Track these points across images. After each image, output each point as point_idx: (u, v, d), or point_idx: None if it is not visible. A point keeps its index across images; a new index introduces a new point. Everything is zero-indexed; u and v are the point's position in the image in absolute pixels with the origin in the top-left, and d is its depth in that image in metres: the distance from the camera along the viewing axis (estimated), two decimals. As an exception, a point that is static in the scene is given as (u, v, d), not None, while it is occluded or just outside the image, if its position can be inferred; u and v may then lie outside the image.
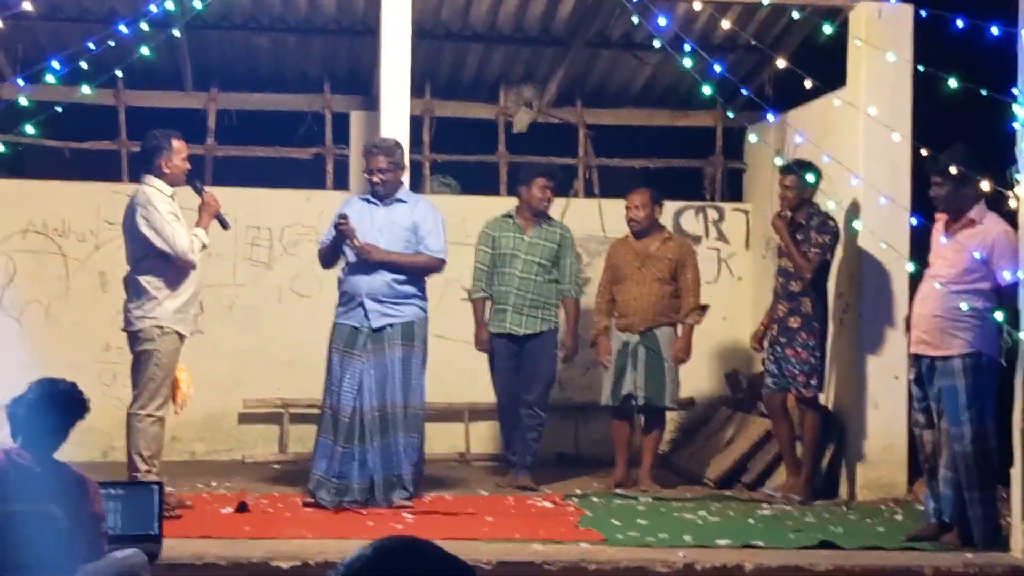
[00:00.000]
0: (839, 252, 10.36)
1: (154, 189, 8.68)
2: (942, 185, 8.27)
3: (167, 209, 8.60)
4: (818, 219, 10.00)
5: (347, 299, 9.24)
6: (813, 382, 9.97)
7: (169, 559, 7.11)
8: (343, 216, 9.17)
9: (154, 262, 8.64)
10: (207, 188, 9.17)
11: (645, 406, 10.49)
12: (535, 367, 10.45)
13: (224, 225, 9.05)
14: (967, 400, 8.11)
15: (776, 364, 10.08)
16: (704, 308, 10.55)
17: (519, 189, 10.64)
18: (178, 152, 8.75)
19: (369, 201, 9.36)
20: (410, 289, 9.23)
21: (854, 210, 10.00)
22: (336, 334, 9.24)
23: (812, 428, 10.03)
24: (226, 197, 9.47)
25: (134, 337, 8.69)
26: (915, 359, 8.45)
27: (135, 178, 11.80)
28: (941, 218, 8.43)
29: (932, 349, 8.27)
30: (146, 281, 8.66)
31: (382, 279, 9.14)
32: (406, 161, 9.48)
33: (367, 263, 9.14)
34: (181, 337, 8.69)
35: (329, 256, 9.41)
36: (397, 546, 2.40)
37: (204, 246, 8.78)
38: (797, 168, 10.03)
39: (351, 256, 9.21)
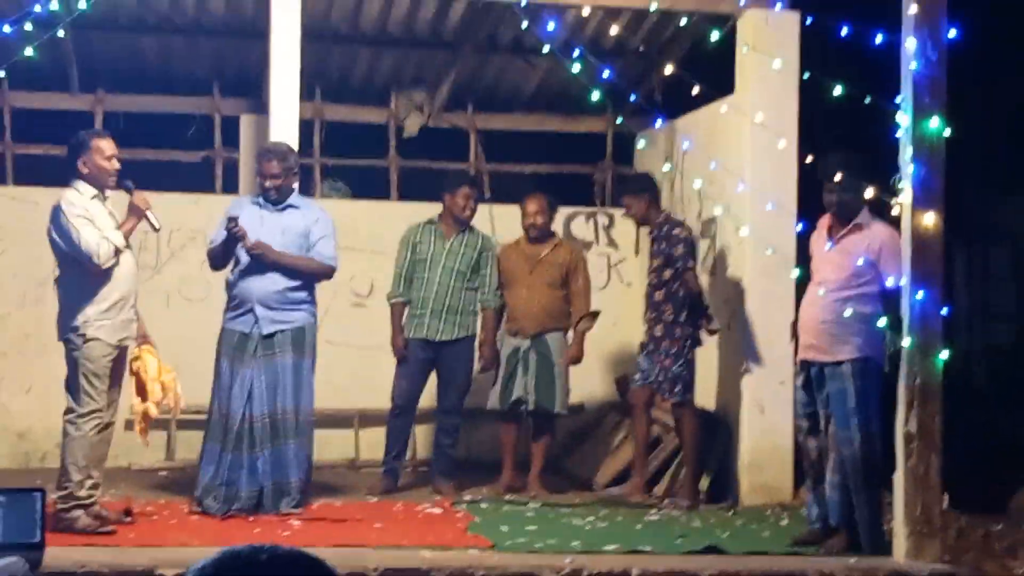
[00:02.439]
0: (726, 258, 10.46)
1: (72, 191, 8.37)
2: (834, 191, 8.34)
3: (75, 212, 8.25)
4: (668, 227, 10.17)
5: (237, 304, 9.16)
6: (678, 389, 10.04)
7: (52, 567, 6.97)
8: (232, 219, 9.09)
9: (72, 267, 8.36)
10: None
11: (535, 411, 10.51)
12: (453, 374, 10.47)
13: (153, 227, 8.65)
14: (855, 404, 8.19)
15: (646, 363, 10.19)
16: (595, 314, 10.59)
17: (443, 196, 10.59)
18: (99, 151, 8.38)
19: (260, 205, 9.28)
20: (301, 295, 9.17)
21: (740, 216, 10.06)
22: (225, 339, 9.16)
23: (689, 433, 10.11)
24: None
25: (64, 344, 8.40)
26: (803, 365, 8.51)
27: (21, 180, 11.75)
28: (823, 224, 8.52)
29: (821, 354, 8.35)
30: (66, 288, 8.42)
31: (274, 286, 9.07)
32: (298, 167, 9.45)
33: (259, 266, 9.06)
34: (110, 344, 8.32)
35: (219, 257, 9.32)
36: (246, 548, 2.35)
37: (118, 250, 8.32)
38: (633, 183, 10.53)
39: (243, 258, 9.13)
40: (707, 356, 10.56)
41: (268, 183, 9.22)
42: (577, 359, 10.55)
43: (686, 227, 10.25)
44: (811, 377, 8.44)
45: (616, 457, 10.96)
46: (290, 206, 9.29)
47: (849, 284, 8.26)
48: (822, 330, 8.32)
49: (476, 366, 10.60)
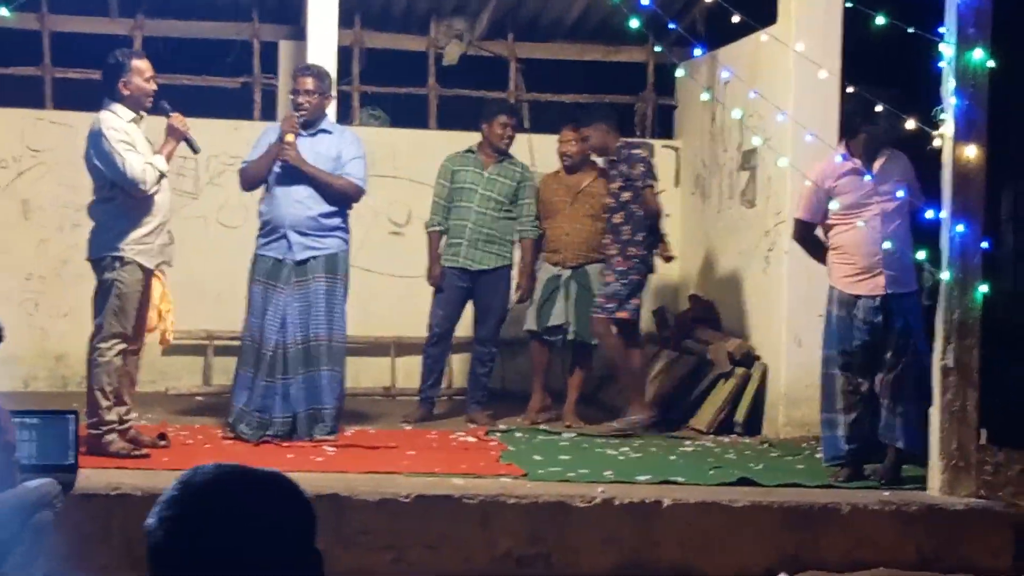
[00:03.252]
0: (766, 190, 10.38)
1: (110, 115, 8.19)
2: (880, 124, 8.24)
3: (118, 137, 8.09)
4: (626, 149, 10.19)
5: (269, 230, 9.13)
6: (610, 305, 10.00)
7: (84, 489, 7.03)
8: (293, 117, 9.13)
9: (112, 191, 8.21)
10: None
11: (574, 342, 10.49)
12: (489, 302, 10.47)
13: (193, 149, 8.55)
14: (925, 328, 8.16)
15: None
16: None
17: (481, 125, 10.56)
18: (138, 72, 8.22)
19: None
20: (334, 221, 9.14)
21: (780, 147, 9.96)
22: (258, 265, 9.14)
23: (611, 348, 10.16)
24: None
25: (95, 267, 8.30)
26: (883, 300, 8.30)
27: (59, 104, 11.72)
28: (842, 161, 8.38)
29: (902, 286, 8.22)
30: (105, 211, 8.28)
31: (307, 212, 9.04)
32: (334, 92, 9.39)
33: (290, 191, 9.02)
34: (145, 269, 8.26)
35: (255, 176, 9.25)
36: (211, 467, 2.29)
37: (162, 174, 8.22)
38: (587, 113, 10.62)
39: (275, 176, 9.09)
40: (745, 289, 10.47)
41: (301, 98, 9.16)
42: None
43: (645, 148, 10.38)
44: (888, 311, 8.29)
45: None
46: (323, 131, 9.25)
47: (900, 212, 8.19)
48: (899, 262, 8.20)
49: (513, 296, 10.57)
